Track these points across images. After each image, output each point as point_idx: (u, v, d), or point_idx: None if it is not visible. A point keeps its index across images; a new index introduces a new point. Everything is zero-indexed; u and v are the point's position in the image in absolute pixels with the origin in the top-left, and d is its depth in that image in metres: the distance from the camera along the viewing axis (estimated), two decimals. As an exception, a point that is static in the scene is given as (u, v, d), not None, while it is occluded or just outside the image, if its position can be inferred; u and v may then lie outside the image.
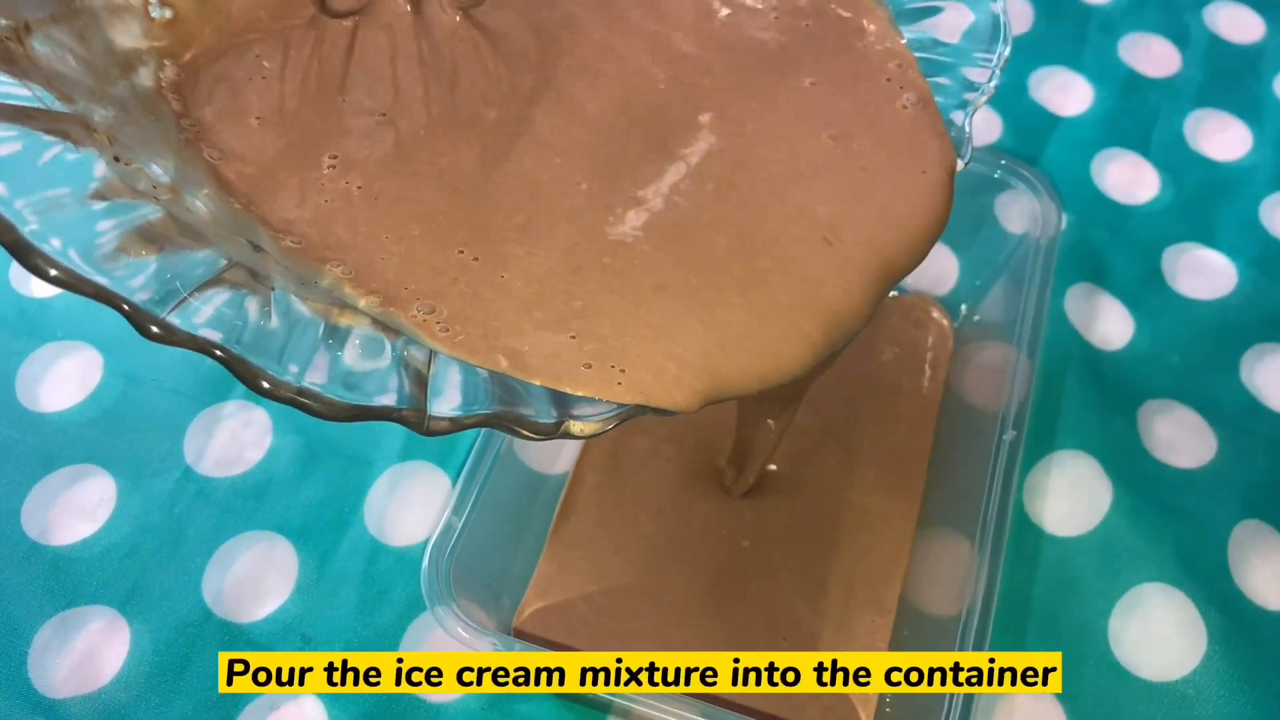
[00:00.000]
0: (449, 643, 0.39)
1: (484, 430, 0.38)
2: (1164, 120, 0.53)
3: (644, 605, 0.39)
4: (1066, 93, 0.54)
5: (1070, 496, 0.42)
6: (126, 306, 0.20)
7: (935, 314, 0.46)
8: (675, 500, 0.41)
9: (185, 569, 0.41)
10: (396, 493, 0.43)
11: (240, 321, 0.21)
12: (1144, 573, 0.41)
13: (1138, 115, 0.53)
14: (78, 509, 0.42)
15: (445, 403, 0.22)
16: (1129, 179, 0.51)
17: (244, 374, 0.21)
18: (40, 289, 0.48)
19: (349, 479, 0.43)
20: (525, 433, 0.23)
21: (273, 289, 0.23)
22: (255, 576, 0.41)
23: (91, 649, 0.39)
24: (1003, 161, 0.42)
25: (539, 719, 0.38)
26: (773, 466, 0.41)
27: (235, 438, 0.44)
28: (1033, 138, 0.53)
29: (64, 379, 0.45)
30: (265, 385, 0.21)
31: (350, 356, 0.23)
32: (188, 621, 0.40)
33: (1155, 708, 0.38)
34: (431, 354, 0.24)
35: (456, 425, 0.22)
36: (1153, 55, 0.56)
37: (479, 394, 0.23)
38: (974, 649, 0.34)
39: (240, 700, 0.38)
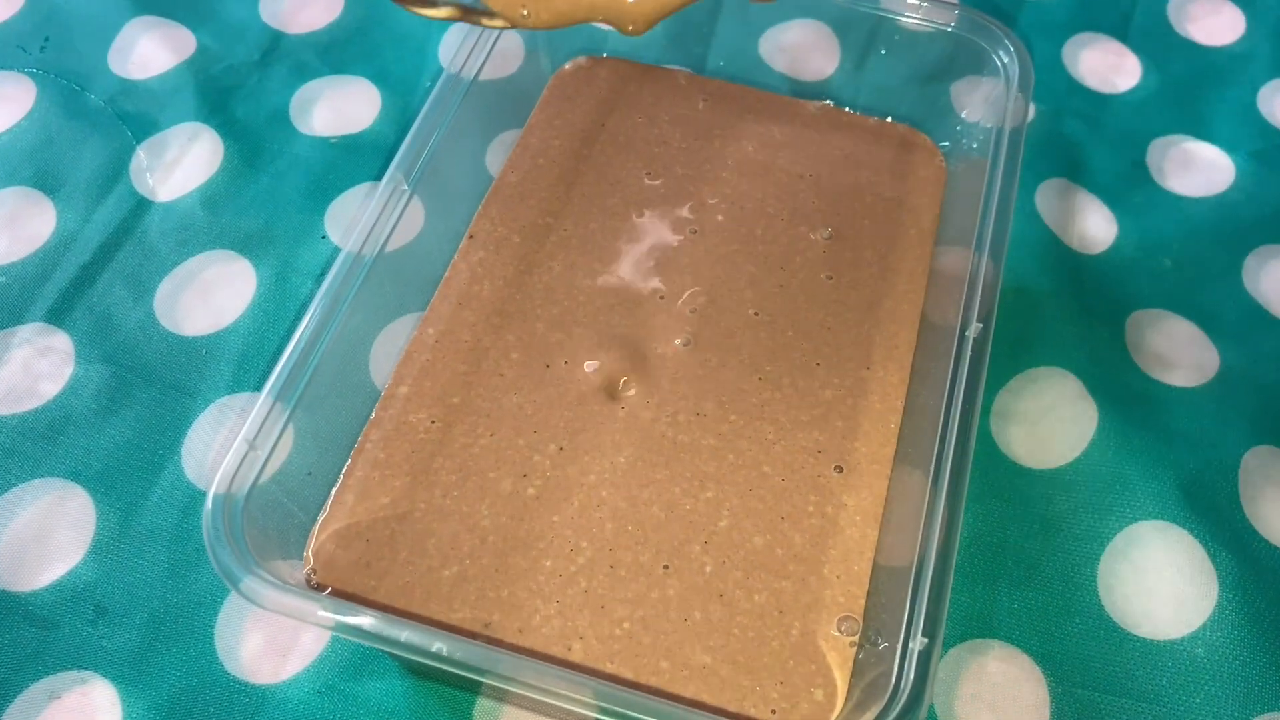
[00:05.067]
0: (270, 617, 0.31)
1: (305, 330, 0.30)
2: (1145, 2, 0.46)
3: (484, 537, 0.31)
4: (1033, -27, 0.47)
5: (1047, 421, 0.35)
6: None
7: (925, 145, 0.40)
8: (520, 401, 0.33)
9: (-50, 528, 0.33)
10: (224, 431, 0.35)
11: None
12: (1139, 509, 0.33)
13: (1115, -3, 0.46)
14: None
15: None
16: (1106, 65, 0.44)
17: None
18: None
19: (165, 415, 0.35)
20: None
21: None
22: (40, 535, 0.33)
23: None
24: (958, 10, 0.35)
25: (387, 704, 0.30)
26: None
27: (28, 368, 0.36)
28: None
29: None
30: None
31: None
32: (-52, 592, 0.32)
33: (1157, 671, 0.31)
34: None
35: None
36: (1130, -67, 0.49)
37: None
38: (931, 603, 0.27)
39: (10, 689, 0.30)
